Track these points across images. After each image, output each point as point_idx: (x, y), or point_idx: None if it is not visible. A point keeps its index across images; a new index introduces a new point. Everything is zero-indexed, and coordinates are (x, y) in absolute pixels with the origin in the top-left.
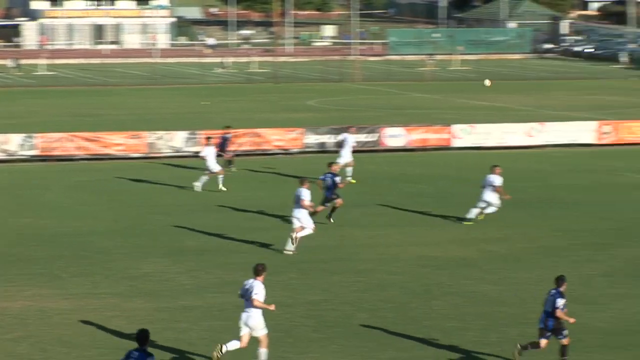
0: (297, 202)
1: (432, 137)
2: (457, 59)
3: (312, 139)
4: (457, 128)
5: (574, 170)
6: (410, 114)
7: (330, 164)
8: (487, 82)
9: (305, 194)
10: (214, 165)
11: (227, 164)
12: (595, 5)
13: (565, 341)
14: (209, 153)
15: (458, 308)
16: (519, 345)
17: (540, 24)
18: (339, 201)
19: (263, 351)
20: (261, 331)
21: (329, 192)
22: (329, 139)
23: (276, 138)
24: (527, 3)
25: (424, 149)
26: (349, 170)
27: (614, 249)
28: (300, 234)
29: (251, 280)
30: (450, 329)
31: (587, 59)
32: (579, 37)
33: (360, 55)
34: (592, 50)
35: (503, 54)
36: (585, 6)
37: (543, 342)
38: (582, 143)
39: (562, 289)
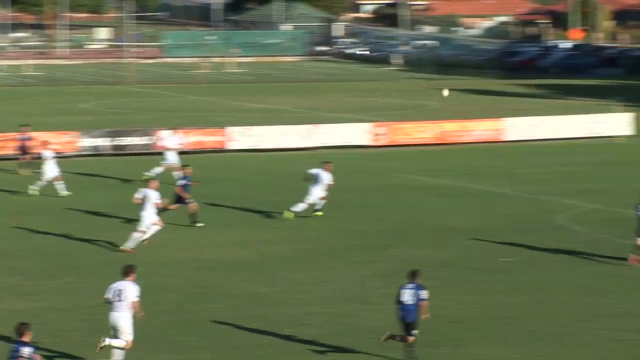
0: (146, 203)
1: (207, 139)
2: (232, 62)
3: (87, 142)
4: (232, 130)
5: (350, 172)
6: (185, 116)
7: (184, 167)
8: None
9: (154, 195)
10: (50, 170)
11: (31, 166)
12: (369, 7)
13: (412, 338)
14: (48, 156)
15: (237, 310)
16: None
17: (314, 26)
18: (172, 206)
19: (120, 353)
20: (127, 336)
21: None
22: (104, 142)
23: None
24: (301, 6)
25: (200, 152)
26: (177, 174)
27: (391, 250)
28: (145, 236)
29: (122, 282)
30: (228, 331)
31: (361, 61)
32: (353, 40)
33: (135, 57)
34: (366, 52)
35: (278, 57)
36: (358, 8)
37: (410, 338)
38: (357, 145)
39: (419, 281)
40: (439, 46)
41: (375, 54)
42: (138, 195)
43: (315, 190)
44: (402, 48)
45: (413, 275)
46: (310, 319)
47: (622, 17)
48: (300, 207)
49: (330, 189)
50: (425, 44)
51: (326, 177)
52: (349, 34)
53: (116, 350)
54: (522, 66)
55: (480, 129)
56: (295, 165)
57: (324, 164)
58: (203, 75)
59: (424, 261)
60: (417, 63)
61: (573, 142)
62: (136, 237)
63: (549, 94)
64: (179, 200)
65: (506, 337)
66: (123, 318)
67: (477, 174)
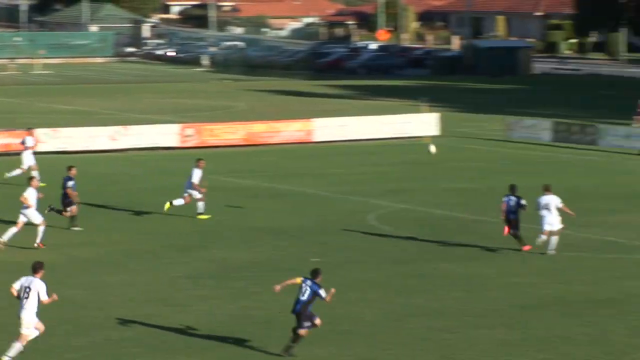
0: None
1: (14, 141)
2: (39, 63)
3: None
4: (40, 132)
5: (159, 173)
6: None
7: (69, 168)
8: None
9: (29, 193)
10: None
11: None
12: (177, 9)
13: (302, 332)
14: None
15: (43, 313)
16: (290, 344)
17: (122, 27)
18: (73, 208)
19: (18, 345)
20: (26, 330)
21: (65, 196)
22: None
23: None
24: (108, 7)
25: (6, 154)
26: (35, 173)
27: (197, 251)
28: (16, 230)
29: (30, 278)
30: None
31: (169, 62)
32: (161, 41)
33: None
34: (174, 53)
35: (86, 58)
36: (166, 9)
37: (302, 332)
38: (166, 146)
39: (318, 280)
40: (247, 47)
41: (183, 55)
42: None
43: (189, 187)
44: (211, 49)
45: (314, 274)
46: (118, 321)
47: (428, 18)
48: (200, 206)
49: (201, 186)
50: (235, 45)
51: (196, 175)
52: (157, 35)
53: (17, 344)
54: (330, 67)
55: (289, 130)
56: (105, 167)
57: (197, 161)
58: (10, 76)
59: (233, 262)
60: (225, 64)
61: (381, 142)
62: (41, 230)
63: (357, 95)
64: (67, 202)
65: (318, 337)
66: (27, 312)
67: (287, 175)
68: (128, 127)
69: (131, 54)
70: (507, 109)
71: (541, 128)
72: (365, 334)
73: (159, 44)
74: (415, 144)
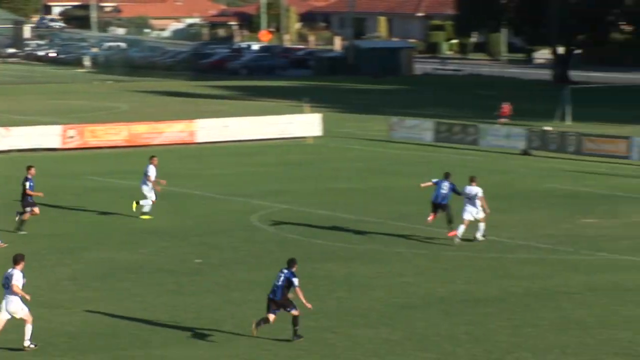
0: None
1: None
2: None
3: None
4: None
5: (41, 175)
6: None
7: (28, 168)
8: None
9: None
10: None
11: None
12: (58, 9)
13: (295, 312)
14: None
15: None
16: (254, 324)
17: (2, 28)
18: (35, 209)
19: (29, 327)
20: (22, 312)
21: (28, 197)
22: None
23: None
24: None
25: None
26: None
27: (80, 253)
28: None
29: (11, 269)
30: None
31: (51, 63)
32: (42, 41)
33: None
34: (55, 54)
35: None
36: (48, 10)
37: (271, 317)
38: (48, 147)
39: (294, 269)
40: (129, 48)
41: (64, 55)
42: None
43: (144, 185)
44: (93, 50)
45: (290, 264)
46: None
47: (310, 18)
48: (144, 203)
49: (158, 182)
50: (117, 46)
51: (151, 172)
52: (38, 36)
53: (27, 326)
54: (212, 68)
55: (172, 131)
56: None
57: (150, 158)
58: None
59: (117, 263)
60: (107, 65)
61: (264, 143)
62: None
63: (240, 96)
64: (28, 203)
65: (199, 337)
66: (11, 302)
67: (170, 176)
68: (9, 128)
69: (12, 55)
70: (389, 110)
71: (423, 128)
72: (248, 335)
73: (40, 45)
74: (298, 144)
